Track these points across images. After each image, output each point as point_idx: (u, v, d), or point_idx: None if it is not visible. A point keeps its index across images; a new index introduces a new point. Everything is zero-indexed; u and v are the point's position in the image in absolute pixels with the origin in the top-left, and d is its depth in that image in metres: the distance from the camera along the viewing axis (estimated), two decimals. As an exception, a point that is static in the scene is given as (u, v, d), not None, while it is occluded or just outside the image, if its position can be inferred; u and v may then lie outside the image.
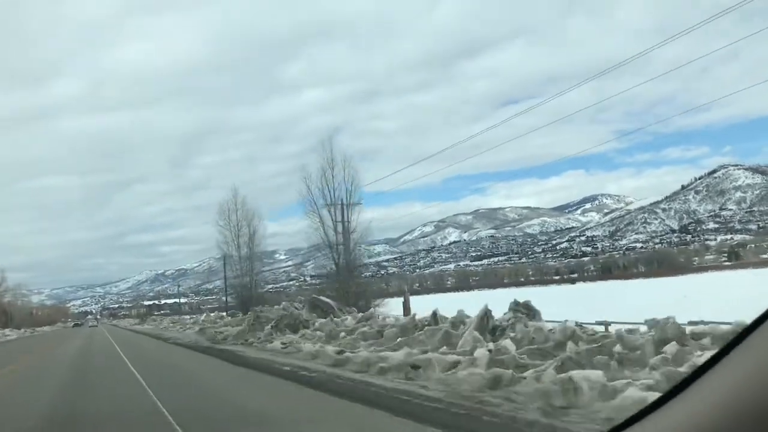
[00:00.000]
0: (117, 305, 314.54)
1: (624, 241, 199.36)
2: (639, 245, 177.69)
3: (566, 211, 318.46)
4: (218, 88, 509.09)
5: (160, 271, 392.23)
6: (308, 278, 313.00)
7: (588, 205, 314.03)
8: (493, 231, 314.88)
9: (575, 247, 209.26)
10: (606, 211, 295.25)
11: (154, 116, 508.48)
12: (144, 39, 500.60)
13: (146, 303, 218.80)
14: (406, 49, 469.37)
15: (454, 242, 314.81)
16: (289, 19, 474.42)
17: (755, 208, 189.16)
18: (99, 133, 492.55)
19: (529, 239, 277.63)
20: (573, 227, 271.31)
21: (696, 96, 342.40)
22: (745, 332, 1.00)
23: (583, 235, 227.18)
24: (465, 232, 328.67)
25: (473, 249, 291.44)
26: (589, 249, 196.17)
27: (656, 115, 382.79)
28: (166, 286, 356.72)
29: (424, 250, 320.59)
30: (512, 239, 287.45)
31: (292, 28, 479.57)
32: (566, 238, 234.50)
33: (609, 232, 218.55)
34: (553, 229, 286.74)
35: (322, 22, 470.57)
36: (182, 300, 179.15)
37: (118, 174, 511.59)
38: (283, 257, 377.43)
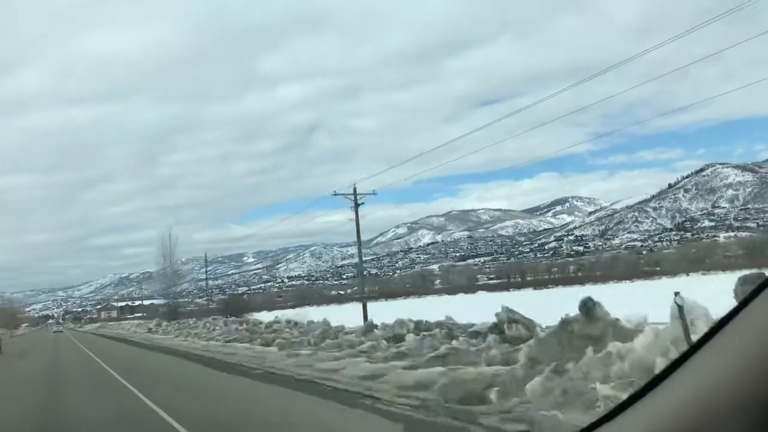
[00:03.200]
0: (81, 309, 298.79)
1: (617, 240, 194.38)
2: (638, 243, 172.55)
3: (537, 213, 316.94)
4: (191, 81, 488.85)
5: (124, 275, 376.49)
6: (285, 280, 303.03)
7: (559, 208, 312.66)
8: (467, 233, 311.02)
9: (565, 247, 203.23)
10: (578, 213, 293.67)
11: (121, 110, 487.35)
12: (112, 27, 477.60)
13: (117, 304, 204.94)
14: (390, 44, 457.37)
15: (431, 243, 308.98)
16: (268, 8, 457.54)
17: (750, 206, 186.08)
18: (63, 129, 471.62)
19: (507, 240, 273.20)
20: (551, 228, 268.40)
21: (673, 98, 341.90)
22: (713, 330, 1.00)
23: (572, 234, 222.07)
24: (438, 234, 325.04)
25: (452, 250, 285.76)
26: (580, 248, 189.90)
27: (633, 116, 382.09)
28: (131, 289, 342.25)
29: (401, 251, 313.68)
30: (490, 240, 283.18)
31: (272, 17, 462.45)
32: (552, 238, 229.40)
33: (599, 231, 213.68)
34: (526, 231, 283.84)
35: (303, 12, 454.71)
36: (158, 301, 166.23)
37: (82, 172, 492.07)
38: (251, 260, 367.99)
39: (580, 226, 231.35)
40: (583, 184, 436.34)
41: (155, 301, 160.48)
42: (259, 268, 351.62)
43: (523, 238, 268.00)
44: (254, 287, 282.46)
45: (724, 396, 0.93)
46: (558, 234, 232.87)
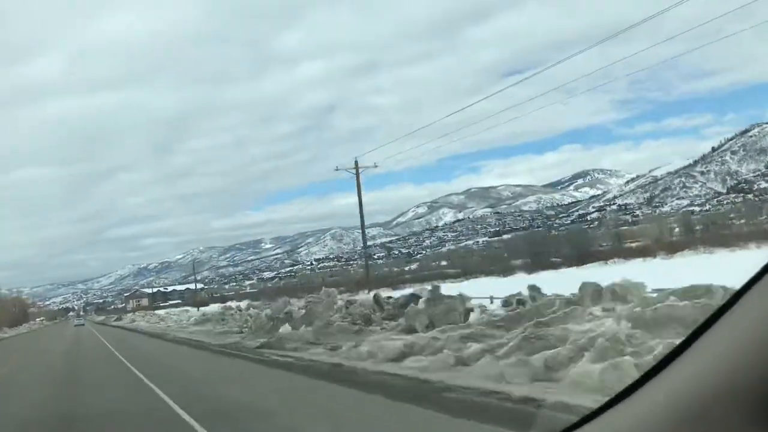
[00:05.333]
0: (102, 300, 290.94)
1: (666, 208, 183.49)
2: (697, 208, 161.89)
3: (558, 187, 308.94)
4: (207, 63, 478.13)
5: (142, 265, 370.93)
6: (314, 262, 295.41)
7: (580, 181, 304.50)
8: (489, 209, 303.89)
9: (609, 216, 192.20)
10: (599, 186, 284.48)
11: (137, 96, 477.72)
12: (126, 9, 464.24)
13: (147, 290, 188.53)
14: (408, 13, 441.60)
15: (458, 221, 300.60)
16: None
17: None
18: (78, 117, 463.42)
19: (536, 214, 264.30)
20: (576, 201, 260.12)
21: (702, 60, 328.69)
22: (704, 325, 0.97)
23: (614, 204, 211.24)
24: (460, 212, 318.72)
25: (480, 226, 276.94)
26: (628, 218, 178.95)
27: (659, 81, 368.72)
28: (150, 279, 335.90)
29: (427, 230, 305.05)
30: (518, 215, 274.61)
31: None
32: (591, 209, 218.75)
33: (645, 198, 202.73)
34: (549, 205, 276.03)
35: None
36: (199, 286, 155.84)
37: (99, 163, 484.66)
38: (269, 246, 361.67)
39: (620, 195, 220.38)
40: (607, 155, 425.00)
41: (190, 286, 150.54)
42: (278, 254, 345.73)
43: (552, 212, 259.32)
44: (283, 271, 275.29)
45: (721, 387, 0.89)
46: (597, 204, 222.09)
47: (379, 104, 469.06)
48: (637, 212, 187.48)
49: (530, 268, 64.13)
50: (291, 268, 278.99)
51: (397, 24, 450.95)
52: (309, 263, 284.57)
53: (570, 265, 59.85)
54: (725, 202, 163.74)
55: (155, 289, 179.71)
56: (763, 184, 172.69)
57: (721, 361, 0.88)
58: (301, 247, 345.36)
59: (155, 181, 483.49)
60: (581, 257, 63.92)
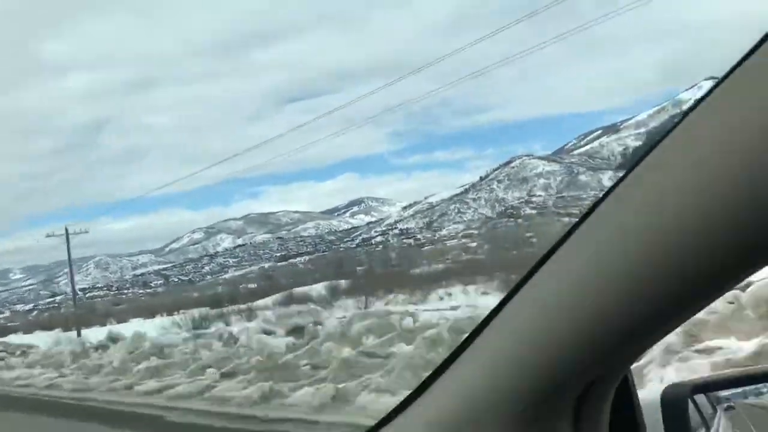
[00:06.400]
0: None
1: (444, 231, 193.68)
2: (474, 231, 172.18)
3: (336, 214, 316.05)
4: None
5: None
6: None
7: (356, 208, 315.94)
8: (269, 235, 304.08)
9: (392, 240, 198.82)
10: (374, 213, 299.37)
11: None
12: None
13: None
14: (194, 30, 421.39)
15: (238, 246, 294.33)
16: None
17: (565, 194, 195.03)
18: None
19: (318, 239, 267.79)
20: (352, 227, 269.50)
21: (470, 97, 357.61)
22: (485, 321, 0.97)
23: (396, 228, 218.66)
24: (239, 237, 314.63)
25: (263, 251, 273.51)
26: (411, 241, 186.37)
27: (432, 115, 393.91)
28: None
29: (206, 256, 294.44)
30: (300, 240, 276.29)
31: None
32: (376, 233, 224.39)
33: (424, 223, 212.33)
34: (327, 231, 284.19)
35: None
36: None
37: None
38: (19, 276, 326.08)
39: (400, 220, 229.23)
40: (382, 185, 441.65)
41: None
42: (32, 284, 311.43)
43: (333, 237, 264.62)
44: (41, 303, 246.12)
45: (487, 392, 0.91)
46: (379, 229, 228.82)
47: (155, 123, 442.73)
48: (419, 236, 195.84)
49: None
50: (53, 298, 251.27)
51: (178, 41, 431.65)
52: (70, 294, 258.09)
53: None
54: (498, 226, 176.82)
55: None
56: (528, 210, 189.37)
57: (478, 377, 0.91)
58: (60, 276, 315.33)
59: None
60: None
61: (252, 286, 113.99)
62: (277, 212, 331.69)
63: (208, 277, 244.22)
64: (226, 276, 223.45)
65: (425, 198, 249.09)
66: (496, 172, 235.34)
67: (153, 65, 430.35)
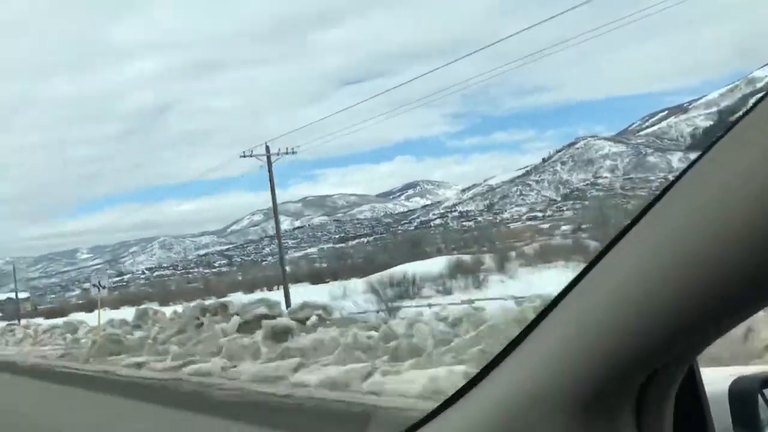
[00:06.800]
0: None
1: (507, 214, 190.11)
2: (539, 214, 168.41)
3: (391, 197, 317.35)
4: (26, 53, 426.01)
5: None
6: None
7: (411, 191, 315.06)
8: (325, 217, 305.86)
9: (453, 223, 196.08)
10: (429, 196, 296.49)
11: None
12: None
13: None
14: (255, 12, 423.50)
15: (298, 228, 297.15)
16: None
17: (633, 175, 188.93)
18: None
19: (374, 222, 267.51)
20: (407, 210, 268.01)
21: (528, 78, 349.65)
22: (527, 330, 0.98)
23: (455, 210, 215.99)
24: (297, 219, 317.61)
25: (321, 233, 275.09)
26: (471, 224, 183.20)
27: (490, 96, 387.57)
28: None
29: (266, 237, 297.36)
30: (357, 222, 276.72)
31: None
32: (434, 215, 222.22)
33: (485, 206, 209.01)
34: (382, 213, 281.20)
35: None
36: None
37: None
38: (86, 255, 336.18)
39: (459, 203, 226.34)
40: (438, 167, 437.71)
41: (10, 295, 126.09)
42: (98, 264, 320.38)
43: (390, 219, 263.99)
44: (111, 282, 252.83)
45: (540, 390, 0.91)
46: (437, 212, 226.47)
47: (217, 106, 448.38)
48: (479, 218, 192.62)
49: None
50: (121, 277, 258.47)
51: (240, 23, 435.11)
52: (141, 272, 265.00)
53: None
54: (563, 208, 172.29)
55: None
56: (594, 192, 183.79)
57: (540, 364, 0.91)
58: (125, 256, 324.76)
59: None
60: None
61: (323, 265, 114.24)
62: (334, 195, 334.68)
63: (269, 258, 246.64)
64: (287, 257, 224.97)
65: (484, 180, 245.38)
66: (560, 153, 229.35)
67: (215, 49, 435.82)
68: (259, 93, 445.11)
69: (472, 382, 1.06)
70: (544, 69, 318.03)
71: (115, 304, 68.79)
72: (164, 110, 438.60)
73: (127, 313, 36.07)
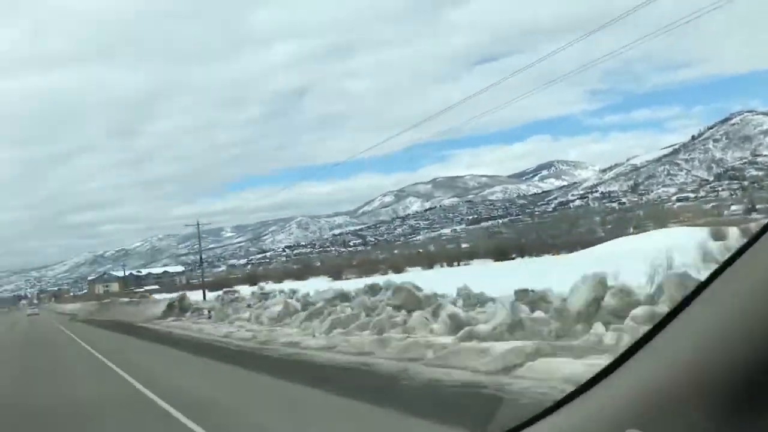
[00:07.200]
0: (56, 288, 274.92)
1: (653, 195, 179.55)
2: (690, 194, 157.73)
3: (524, 178, 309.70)
4: (175, 41, 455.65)
5: (99, 253, 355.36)
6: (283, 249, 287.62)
7: (545, 172, 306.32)
8: (455, 199, 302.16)
9: (594, 204, 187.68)
10: (564, 177, 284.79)
11: (99, 74, 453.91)
12: None
13: (117, 274, 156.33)
14: None
15: (429, 209, 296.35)
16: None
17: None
18: (35, 95, 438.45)
19: (507, 203, 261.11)
20: (541, 192, 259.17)
21: (675, 52, 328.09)
22: (668, 317, 0.94)
23: (596, 191, 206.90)
24: (427, 201, 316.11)
25: (453, 215, 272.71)
26: (614, 205, 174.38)
27: (633, 72, 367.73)
28: (107, 267, 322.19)
29: (397, 218, 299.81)
30: (489, 204, 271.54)
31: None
32: (573, 196, 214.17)
33: (629, 186, 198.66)
34: (516, 195, 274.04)
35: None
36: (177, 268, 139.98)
37: (56, 144, 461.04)
38: (230, 234, 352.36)
39: (600, 183, 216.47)
40: (574, 146, 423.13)
41: (169, 269, 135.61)
42: (241, 242, 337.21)
43: (524, 201, 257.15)
44: (254, 259, 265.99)
45: (685, 378, 0.87)
46: (577, 192, 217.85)
47: (352, 89, 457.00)
48: (623, 200, 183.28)
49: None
50: (264, 254, 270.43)
51: (372, 5, 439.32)
52: (281, 250, 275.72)
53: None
54: (719, 188, 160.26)
55: (128, 272, 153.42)
56: (753, 171, 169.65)
57: (684, 352, 0.87)
58: (265, 235, 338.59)
59: (114, 165, 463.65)
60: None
61: (465, 245, 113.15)
62: (464, 176, 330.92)
63: (402, 238, 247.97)
64: (418, 238, 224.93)
65: (627, 160, 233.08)
66: (712, 130, 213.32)
67: (349, 31, 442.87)
68: (392, 74, 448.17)
69: (605, 372, 1.04)
70: (693, 41, 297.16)
71: (281, 278, 70.30)
72: (302, 94, 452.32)
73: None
